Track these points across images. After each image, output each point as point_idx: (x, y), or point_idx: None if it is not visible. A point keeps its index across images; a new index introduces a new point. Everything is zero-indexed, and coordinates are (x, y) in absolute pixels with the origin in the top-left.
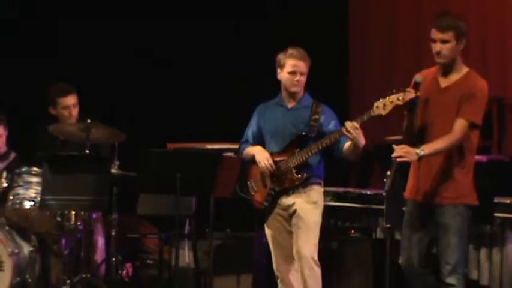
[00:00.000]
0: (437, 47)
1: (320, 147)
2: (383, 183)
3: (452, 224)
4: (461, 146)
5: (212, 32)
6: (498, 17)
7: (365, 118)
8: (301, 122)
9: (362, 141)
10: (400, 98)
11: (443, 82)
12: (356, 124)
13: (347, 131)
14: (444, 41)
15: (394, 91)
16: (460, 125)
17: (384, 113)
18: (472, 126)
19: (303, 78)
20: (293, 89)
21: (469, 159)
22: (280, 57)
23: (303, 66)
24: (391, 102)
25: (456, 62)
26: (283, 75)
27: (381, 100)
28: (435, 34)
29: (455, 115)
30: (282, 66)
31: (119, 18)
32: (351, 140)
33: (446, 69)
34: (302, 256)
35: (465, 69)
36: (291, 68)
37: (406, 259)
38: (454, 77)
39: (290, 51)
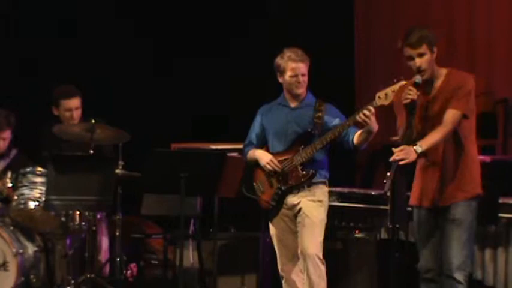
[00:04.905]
0: (417, 62)
1: (324, 142)
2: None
3: (465, 220)
4: (460, 140)
5: (214, 31)
6: (504, 19)
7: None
8: (305, 120)
9: (375, 126)
10: (403, 83)
11: (430, 92)
12: (372, 110)
13: (362, 119)
14: (420, 55)
15: (395, 80)
16: (450, 114)
17: (386, 103)
18: (463, 116)
19: (305, 79)
20: (298, 91)
21: (471, 149)
22: (279, 62)
23: (303, 67)
24: (393, 91)
25: (434, 71)
26: (285, 79)
27: (382, 90)
28: (410, 51)
29: None
30: (282, 71)
31: (123, 19)
32: (366, 127)
33: (428, 82)
34: (307, 254)
35: (444, 71)
36: (292, 72)
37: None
38: (438, 83)
39: (288, 54)
